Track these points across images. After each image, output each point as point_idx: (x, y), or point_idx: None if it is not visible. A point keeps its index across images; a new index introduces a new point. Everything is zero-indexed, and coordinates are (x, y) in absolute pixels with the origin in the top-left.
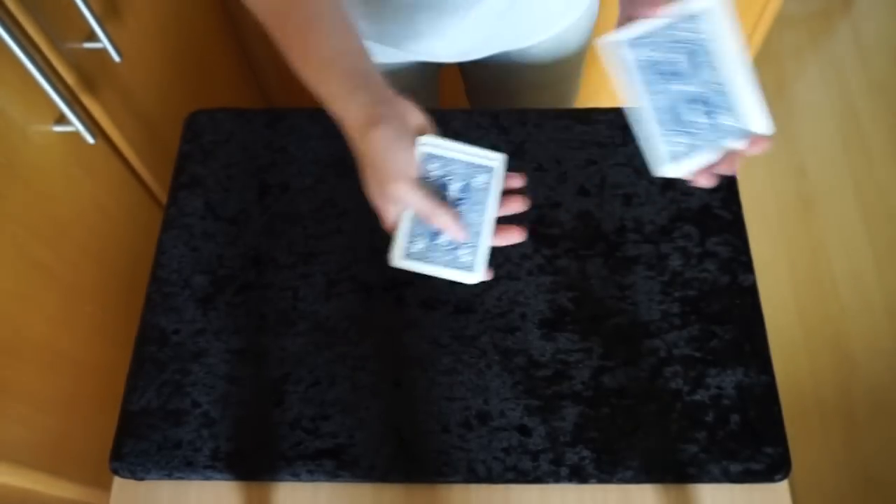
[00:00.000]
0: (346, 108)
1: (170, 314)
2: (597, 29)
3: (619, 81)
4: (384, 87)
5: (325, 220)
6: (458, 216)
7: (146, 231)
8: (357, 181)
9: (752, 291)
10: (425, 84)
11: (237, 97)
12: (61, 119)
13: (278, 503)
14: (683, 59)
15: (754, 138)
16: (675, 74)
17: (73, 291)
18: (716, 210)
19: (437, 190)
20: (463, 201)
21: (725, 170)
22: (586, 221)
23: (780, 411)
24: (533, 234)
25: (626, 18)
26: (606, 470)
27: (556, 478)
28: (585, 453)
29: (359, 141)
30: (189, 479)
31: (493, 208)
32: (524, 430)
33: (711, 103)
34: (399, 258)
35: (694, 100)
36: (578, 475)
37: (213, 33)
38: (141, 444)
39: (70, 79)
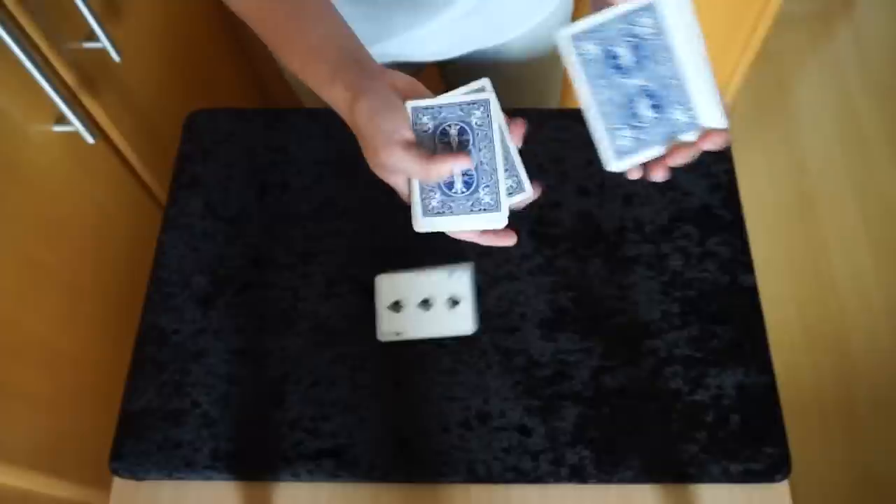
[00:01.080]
0: (334, 90)
1: (170, 314)
2: None
3: (571, 76)
4: (370, 63)
5: (325, 220)
6: (456, 155)
7: (146, 231)
8: (357, 181)
9: (752, 291)
10: None
11: (237, 97)
12: (61, 119)
13: (278, 503)
14: (629, 52)
15: (708, 132)
16: (620, 68)
17: (73, 291)
18: (716, 210)
19: (437, 142)
20: (468, 142)
21: (678, 161)
22: (586, 221)
23: (780, 411)
24: (533, 235)
25: (596, 11)
26: (606, 470)
27: (556, 478)
28: (585, 453)
29: (350, 118)
30: (189, 479)
31: (500, 139)
32: (524, 430)
33: (658, 97)
34: (420, 220)
35: (640, 94)
36: (578, 475)
37: (213, 33)
38: (141, 444)
39: (70, 79)
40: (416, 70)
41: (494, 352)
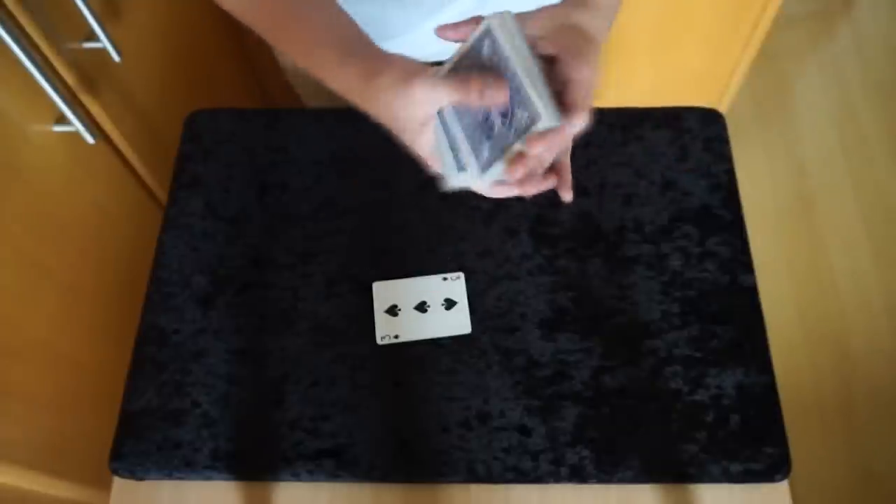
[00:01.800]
0: (345, 70)
1: (170, 314)
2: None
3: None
4: (375, 49)
5: (325, 220)
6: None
7: (146, 231)
8: (357, 181)
9: (752, 291)
10: None
11: (237, 97)
12: (61, 119)
13: (278, 503)
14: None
15: (548, 131)
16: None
17: (73, 291)
18: (716, 210)
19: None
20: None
21: (530, 189)
22: (586, 221)
23: (780, 411)
24: (533, 235)
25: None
26: (606, 470)
27: (556, 478)
28: (585, 453)
29: (366, 95)
30: (189, 479)
31: (521, 58)
32: (524, 430)
33: (506, 109)
34: (454, 174)
35: (490, 111)
36: (578, 475)
37: (213, 33)
38: (141, 444)
39: (70, 79)
40: None
41: (494, 352)
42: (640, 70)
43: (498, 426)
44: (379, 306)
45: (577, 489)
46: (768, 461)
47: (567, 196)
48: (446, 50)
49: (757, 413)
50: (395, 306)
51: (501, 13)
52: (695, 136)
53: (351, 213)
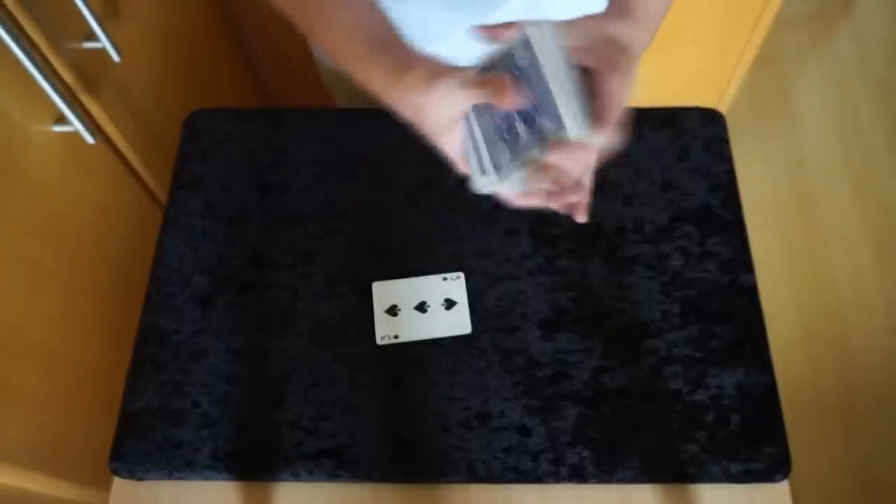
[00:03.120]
0: (377, 65)
1: (170, 314)
2: None
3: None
4: (406, 48)
5: (325, 220)
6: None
7: (146, 231)
8: (357, 181)
9: (752, 291)
10: None
11: (237, 97)
12: (61, 119)
13: (278, 503)
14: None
15: (569, 141)
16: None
17: (73, 291)
18: (716, 210)
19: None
20: (522, 88)
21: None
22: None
23: (780, 411)
24: (533, 235)
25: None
26: (606, 470)
27: (556, 478)
28: (585, 453)
29: (396, 89)
30: (189, 479)
31: (555, 69)
32: (524, 430)
33: (529, 115)
34: (478, 178)
35: (517, 116)
36: (578, 475)
37: (213, 33)
38: (141, 444)
39: (69, 78)
40: None
41: (494, 352)
42: (640, 70)
43: (498, 426)
44: (379, 306)
45: (577, 489)
46: (768, 461)
47: (581, 217)
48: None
49: (757, 413)
50: (394, 306)
51: (540, 21)
52: (695, 136)
53: (351, 213)
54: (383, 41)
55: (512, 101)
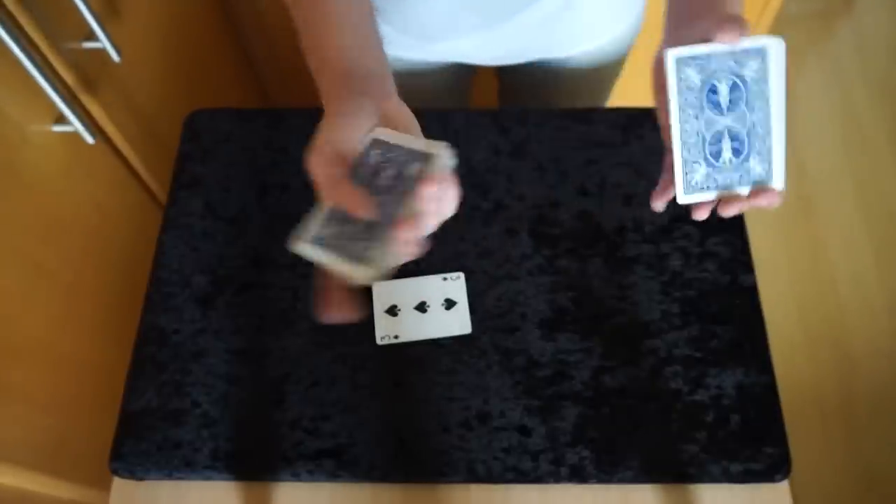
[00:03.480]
0: (328, 103)
1: (170, 314)
2: (638, 41)
3: (669, 98)
4: (381, 86)
5: None
6: (365, 197)
7: (146, 231)
8: None
9: (752, 291)
10: (458, 84)
11: (237, 97)
12: (61, 119)
13: (278, 503)
14: (728, 90)
15: (767, 189)
16: (715, 104)
17: (73, 291)
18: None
19: (365, 178)
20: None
21: (727, 211)
22: (586, 221)
23: (780, 411)
24: (533, 235)
25: (676, 38)
26: (606, 470)
27: (556, 478)
28: (585, 453)
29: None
30: (189, 479)
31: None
32: (524, 430)
33: (741, 142)
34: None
35: (726, 134)
36: (578, 475)
37: (213, 33)
38: (141, 444)
39: (69, 78)
40: (473, 69)
41: (494, 352)
42: (641, 70)
43: (498, 426)
44: (379, 306)
45: (577, 489)
46: (768, 461)
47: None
48: (508, 54)
49: (757, 413)
50: (395, 306)
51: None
52: None
53: None
54: (345, 78)
55: (364, 213)
